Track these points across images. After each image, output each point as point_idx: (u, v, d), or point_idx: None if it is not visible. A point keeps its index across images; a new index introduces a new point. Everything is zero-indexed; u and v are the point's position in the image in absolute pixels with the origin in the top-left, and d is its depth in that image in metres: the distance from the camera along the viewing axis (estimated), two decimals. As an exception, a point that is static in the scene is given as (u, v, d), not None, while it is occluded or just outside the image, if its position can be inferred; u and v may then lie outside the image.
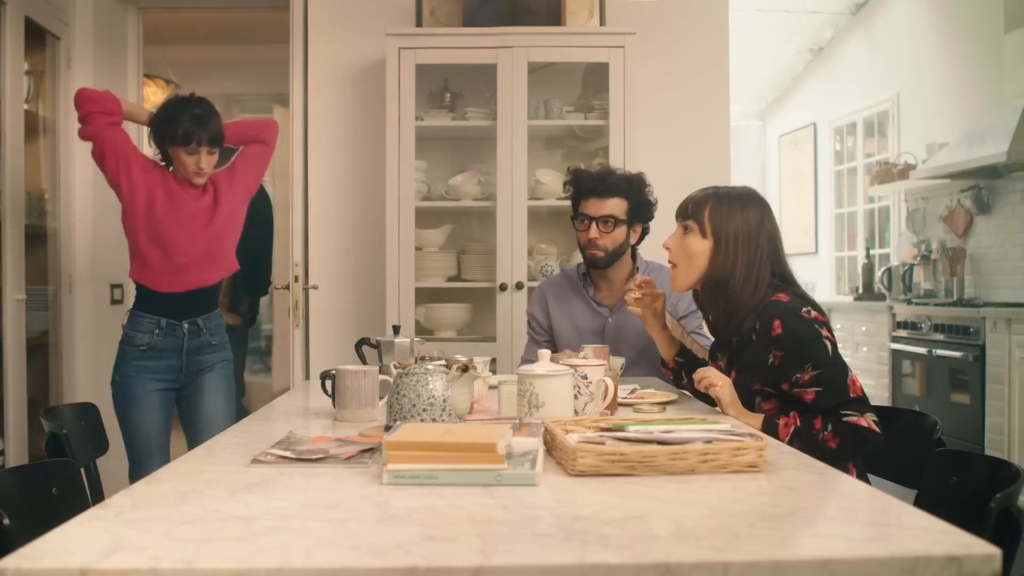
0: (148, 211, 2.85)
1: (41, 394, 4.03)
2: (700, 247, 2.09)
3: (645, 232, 2.96)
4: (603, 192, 2.84)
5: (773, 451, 1.55)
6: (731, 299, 2.06)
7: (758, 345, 2.00)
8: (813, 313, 1.97)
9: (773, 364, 1.97)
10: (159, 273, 2.87)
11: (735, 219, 2.06)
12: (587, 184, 2.88)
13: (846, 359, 2.05)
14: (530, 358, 2.89)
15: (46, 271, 4.07)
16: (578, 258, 3.81)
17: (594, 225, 2.84)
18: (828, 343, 1.95)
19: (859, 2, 6.96)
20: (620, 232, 2.85)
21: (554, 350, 2.89)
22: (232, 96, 6.78)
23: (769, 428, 1.94)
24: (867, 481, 1.87)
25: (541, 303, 3.03)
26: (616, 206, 2.83)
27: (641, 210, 2.89)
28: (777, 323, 1.95)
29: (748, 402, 2.07)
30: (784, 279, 2.09)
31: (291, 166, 4.06)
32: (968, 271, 5.58)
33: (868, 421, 1.90)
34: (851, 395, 1.93)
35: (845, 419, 1.91)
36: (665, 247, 2.17)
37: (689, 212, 2.13)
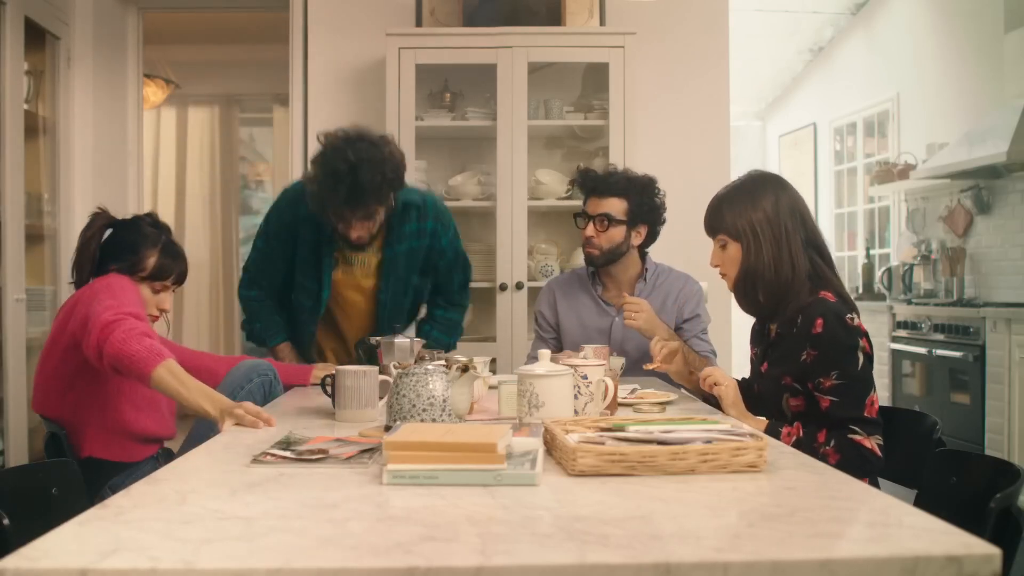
0: None
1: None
2: (738, 253, 2.09)
3: (654, 235, 2.95)
4: (602, 191, 2.86)
5: (773, 451, 1.55)
6: (767, 286, 2.04)
7: (796, 339, 2.00)
8: (856, 321, 1.97)
9: (805, 361, 1.97)
10: None
11: (747, 213, 2.06)
12: (589, 183, 2.90)
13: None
14: (535, 355, 2.89)
15: (46, 271, 4.07)
16: (578, 258, 3.82)
17: (590, 224, 2.86)
18: (861, 355, 1.94)
19: (859, 2, 6.95)
20: (617, 232, 2.85)
21: (560, 348, 2.90)
22: (232, 96, 6.78)
23: (771, 435, 1.93)
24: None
25: (549, 300, 3.03)
26: (613, 205, 2.84)
27: (643, 211, 2.87)
28: (820, 321, 1.95)
29: (776, 396, 2.07)
30: (819, 251, 2.07)
31: (291, 166, 4.07)
32: (968, 271, 5.58)
33: (872, 443, 1.90)
34: (865, 414, 1.92)
35: (851, 436, 1.91)
36: (712, 266, 2.17)
37: (713, 227, 2.14)
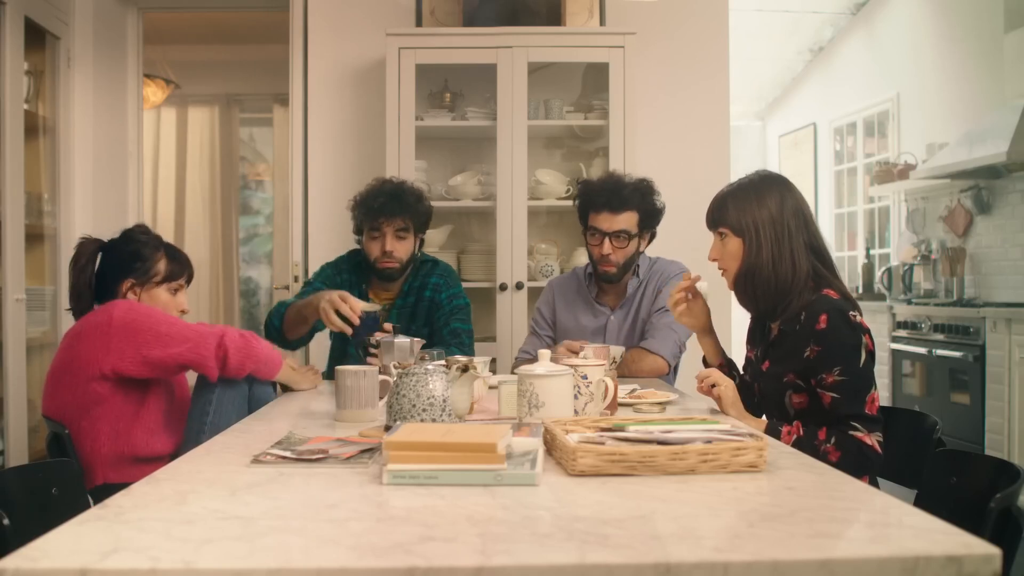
0: None
1: (41, 394, 4.03)
2: (738, 248, 2.10)
3: (652, 237, 2.94)
4: (616, 207, 2.78)
5: (773, 451, 1.55)
6: (766, 283, 2.04)
7: (799, 335, 2.00)
8: (859, 319, 1.97)
9: (808, 357, 1.98)
10: None
11: (752, 210, 2.07)
12: (599, 198, 2.80)
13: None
14: (528, 350, 2.89)
15: (46, 271, 4.07)
16: (578, 258, 3.82)
17: (607, 241, 2.79)
18: (864, 352, 1.94)
19: (859, 2, 6.95)
20: (632, 245, 2.83)
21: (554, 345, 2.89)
22: (232, 96, 6.78)
23: (772, 435, 1.93)
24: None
25: (549, 299, 3.04)
26: (628, 220, 2.79)
27: (651, 219, 2.86)
28: (824, 318, 1.95)
29: (779, 394, 2.07)
30: (820, 255, 2.07)
31: (291, 166, 4.07)
32: (968, 271, 5.58)
33: (873, 440, 1.91)
34: (866, 411, 1.93)
35: (851, 432, 1.91)
36: (711, 260, 2.17)
37: (716, 220, 2.14)
